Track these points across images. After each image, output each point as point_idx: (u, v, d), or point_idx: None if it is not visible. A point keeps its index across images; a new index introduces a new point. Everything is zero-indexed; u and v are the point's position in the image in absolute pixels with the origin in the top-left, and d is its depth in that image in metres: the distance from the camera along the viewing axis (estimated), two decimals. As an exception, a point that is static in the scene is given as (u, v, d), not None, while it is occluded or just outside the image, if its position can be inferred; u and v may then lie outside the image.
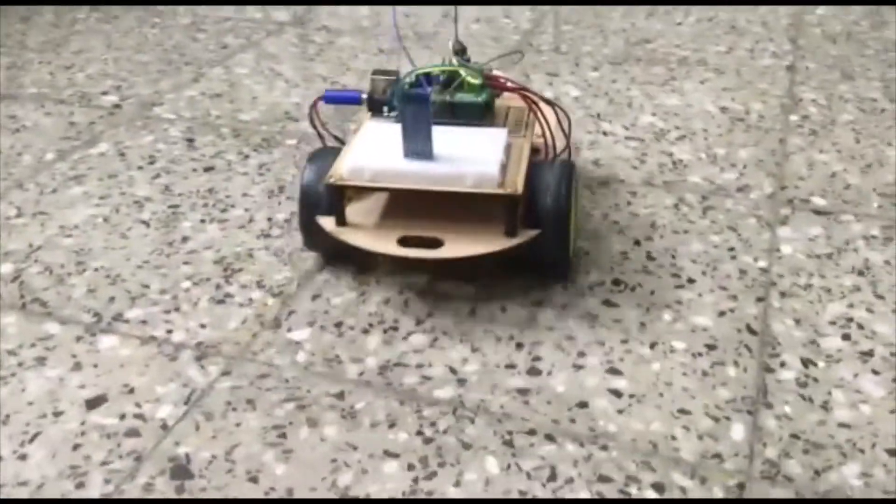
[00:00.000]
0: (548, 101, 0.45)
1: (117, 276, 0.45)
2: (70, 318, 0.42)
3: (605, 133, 0.59)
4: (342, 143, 0.46)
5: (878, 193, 0.50)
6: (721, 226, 0.48)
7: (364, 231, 0.41)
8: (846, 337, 0.39)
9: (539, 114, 0.44)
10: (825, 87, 0.63)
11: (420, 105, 0.39)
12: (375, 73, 0.45)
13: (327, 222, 0.41)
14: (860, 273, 0.43)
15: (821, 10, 0.79)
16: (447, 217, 0.41)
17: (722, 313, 0.41)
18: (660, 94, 0.64)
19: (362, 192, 0.42)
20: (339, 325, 0.41)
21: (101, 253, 0.46)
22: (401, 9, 0.82)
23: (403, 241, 0.40)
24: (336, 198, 0.40)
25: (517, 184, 0.39)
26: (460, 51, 0.46)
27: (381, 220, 0.41)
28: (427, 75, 0.44)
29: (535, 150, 0.44)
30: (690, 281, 0.43)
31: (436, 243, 0.40)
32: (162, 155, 0.57)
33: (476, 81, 0.43)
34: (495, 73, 0.46)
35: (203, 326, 0.41)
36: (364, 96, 0.45)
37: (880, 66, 0.67)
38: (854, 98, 0.61)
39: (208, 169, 0.55)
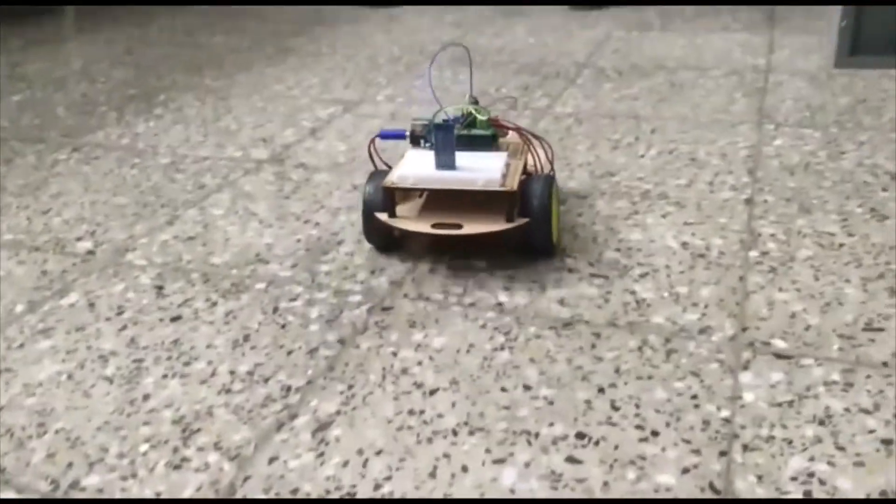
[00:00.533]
0: (537, 137, 0.65)
1: (77, 438, 0.44)
2: (27, 486, 0.41)
3: (569, 270, 0.60)
4: (389, 167, 0.64)
5: (838, 335, 0.50)
6: (684, 371, 0.48)
7: (408, 220, 0.59)
8: (807, 494, 0.38)
9: (530, 146, 0.64)
10: (783, 222, 0.65)
11: (447, 131, 0.59)
12: (414, 119, 0.65)
13: (383, 216, 0.60)
14: (821, 422, 0.43)
15: (779, 140, 0.82)
16: (465, 211, 0.60)
17: (686, 470, 0.40)
18: (623, 227, 0.66)
19: (406, 194, 0.62)
20: (294, 491, 0.40)
21: (63, 413, 0.46)
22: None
23: (436, 226, 0.58)
24: (389, 197, 0.59)
25: (513, 185, 0.57)
26: (474, 101, 0.65)
27: (419, 214, 0.60)
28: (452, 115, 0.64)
29: (529, 173, 0.63)
30: (654, 433, 0.43)
31: (458, 227, 0.58)
32: (131, 304, 0.57)
33: (485, 120, 0.64)
34: (499, 117, 0.66)
35: (158, 495, 0.40)
36: (407, 133, 0.65)
37: (837, 198, 0.69)
38: (812, 233, 0.63)
39: (175, 319, 0.55)
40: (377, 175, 0.62)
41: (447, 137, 0.59)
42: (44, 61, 1.27)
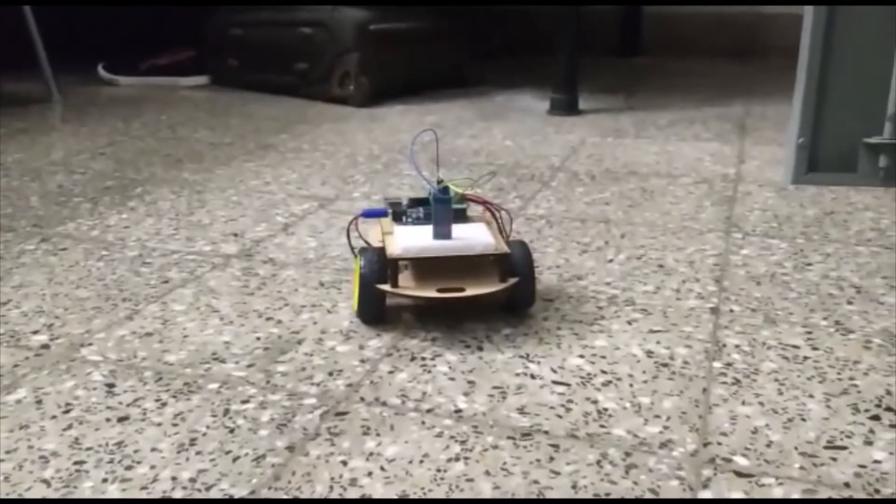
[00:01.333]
0: (501, 209, 0.72)
1: (0, 548, 0.42)
2: None
3: (532, 376, 0.59)
4: (368, 244, 0.69)
5: (800, 452, 0.49)
6: (643, 488, 0.46)
7: (412, 288, 0.65)
8: None
9: (495, 215, 0.72)
10: (748, 332, 0.65)
11: (445, 203, 0.65)
12: (386, 198, 0.74)
13: (385, 287, 0.64)
14: (781, 548, 0.41)
15: (746, 250, 0.83)
16: (458, 276, 0.66)
17: None
18: (588, 333, 0.66)
19: (400, 265, 0.66)
20: None
21: (-11, 520, 0.44)
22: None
23: (441, 290, 0.64)
24: (393, 268, 0.64)
25: (504, 248, 0.66)
26: (439, 181, 0.67)
27: (417, 283, 0.66)
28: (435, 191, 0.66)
29: (520, 243, 0.70)
30: (608, 555, 0.41)
31: (461, 290, 0.64)
32: (79, 403, 0.56)
33: (458, 196, 0.69)
34: (468, 192, 0.71)
35: None
36: (390, 212, 0.71)
37: (803, 310, 0.69)
38: (777, 345, 0.63)
39: (122, 419, 0.54)
40: (371, 251, 0.66)
41: (445, 209, 0.65)
42: (24, 151, 1.28)
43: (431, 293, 0.64)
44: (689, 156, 1.22)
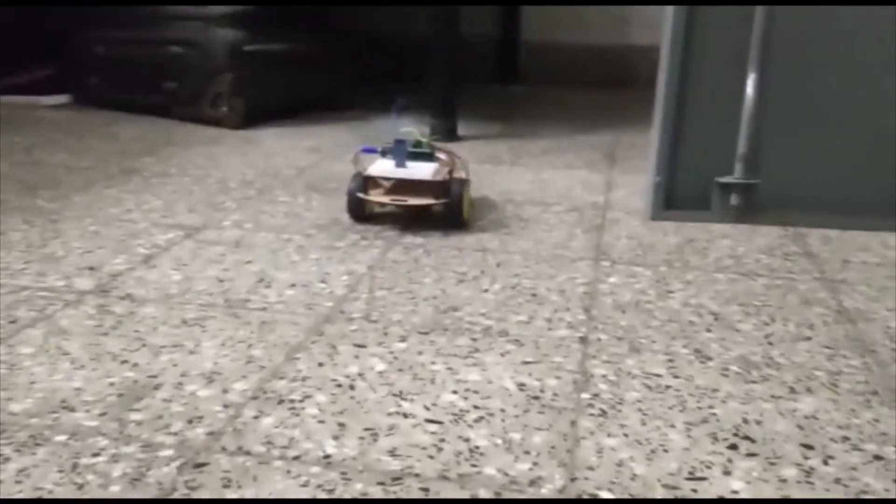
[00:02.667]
0: (458, 158, 1.05)
1: None
2: None
3: (405, 415, 0.58)
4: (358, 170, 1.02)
5: (663, 484, 0.50)
6: (513, 528, 0.46)
7: (375, 197, 0.99)
8: None
9: (454, 160, 1.04)
10: (615, 362, 0.67)
11: (402, 143, 0.99)
12: (385, 143, 1.01)
13: (361, 195, 0.99)
14: (645, 584, 0.42)
15: (613, 278, 0.86)
16: (412, 195, 0.99)
17: None
18: (462, 367, 0.65)
19: (376, 184, 1.00)
20: None
21: None
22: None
23: (392, 199, 0.98)
24: (364, 183, 1.00)
25: (438, 179, 0.99)
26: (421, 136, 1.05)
27: (384, 195, 0.99)
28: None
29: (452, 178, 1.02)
30: None
31: (405, 200, 0.98)
32: None
33: (426, 142, 1.04)
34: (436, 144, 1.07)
35: None
36: (379, 150, 1.02)
37: (665, 338, 0.71)
38: (641, 374, 0.65)
39: (-49, 481, 0.48)
40: (357, 173, 1.01)
41: (401, 147, 0.98)
42: None
43: (385, 199, 0.98)
44: (562, 184, 1.25)
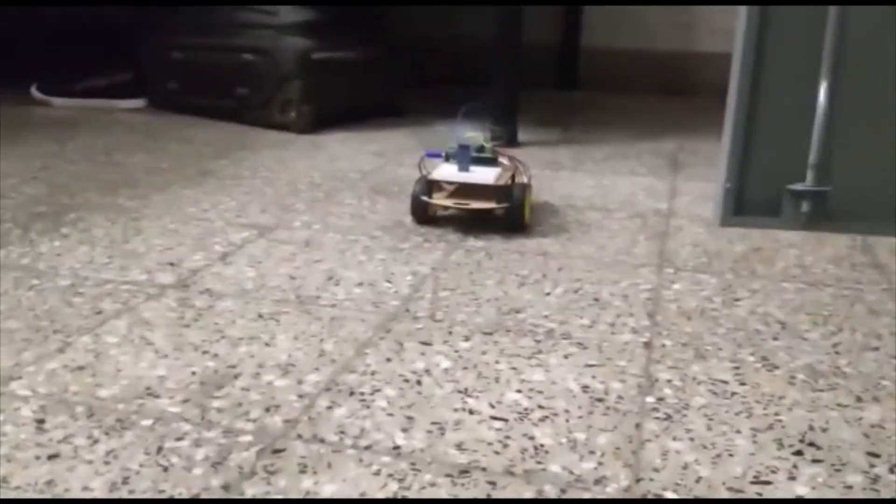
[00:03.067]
0: (521, 163, 1.09)
1: None
2: None
3: (470, 412, 0.59)
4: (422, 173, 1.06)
5: (727, 487, 0.51)
6: (578, 523, 0.47)
7: (439, 199, 1.02)
8: None
9: (516, 165, 1.08)
10: (679, 367, 0.67)
11: (466, 149, 1.02)
12: (449, 148, 1.05)
13: (425, 198, 1.02)
14: (709, 582, 0.43)
15: (677, 285, 0.86)
16: (475, 198, 1.02)
17: None
18: (526, 368, 0.67)
19: (439, 186, 1.04)
20: None
21: None
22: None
23: (456, 203, 1.02)
24: (428, 186, 1.03)
25: (500, 183, 1.02)
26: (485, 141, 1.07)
27: (447, 198, 1.03)
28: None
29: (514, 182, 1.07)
30: (543, 593, 0.42)
31: (467, 204, 1.02)
32: (8, 439, 0.54)
33: (489, 147, 1.06)
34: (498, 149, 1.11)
35: None
36: (444, 155, 1.06)
37: (731, 345, 0.72)
38: (706, 380, 0.65)
39: (52, 457, 0.52)
40: (422, 177, 1.04)
41: (465, 152, 1.02)
42: (-50, 171, 1.24)
43: (448, 202, 1.02)
44: (624, 190, 1.25)
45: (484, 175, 1.01)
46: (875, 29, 0.97)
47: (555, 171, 1.37)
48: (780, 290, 0.85)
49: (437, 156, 1.06)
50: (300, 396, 0.61)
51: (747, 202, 1.03)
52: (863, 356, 0.70)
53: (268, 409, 0.59)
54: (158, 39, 1.80)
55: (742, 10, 0.99)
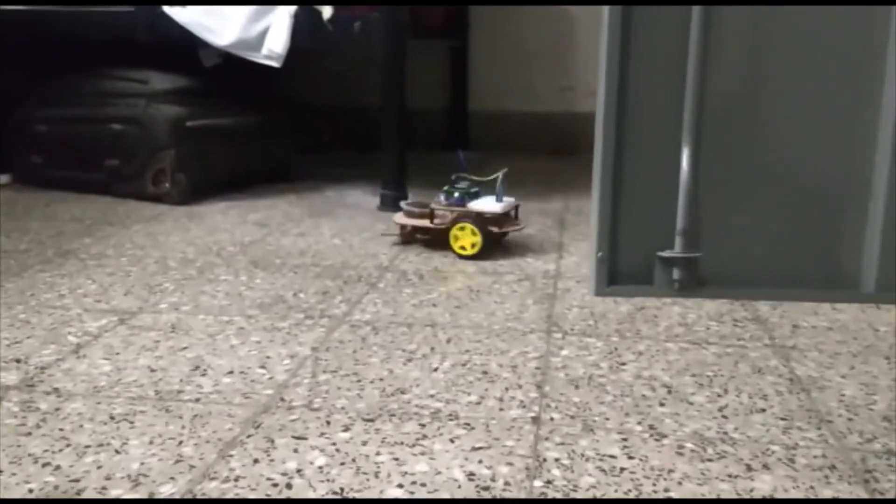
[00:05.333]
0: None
1: None
2: None
3: (346, 515, 0.54)
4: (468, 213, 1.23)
5: (619, 582, 0.47)
6: None
7: (507, 229, 1.28)
8: None
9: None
10: (568, 443, 0.64)
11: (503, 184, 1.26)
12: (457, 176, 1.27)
13: (493, 228, 1.25)
14: None
15: (565, 350, 0.84)
16: (499, 225, 1.25)
17: None
18: (409, 457, 0.62)
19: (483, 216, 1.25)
20: None
21: None
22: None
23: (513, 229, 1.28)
24: (481, 222, 1.24)
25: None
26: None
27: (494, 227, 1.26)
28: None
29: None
30: None
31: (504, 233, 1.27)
32: None
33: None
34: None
35: None
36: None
37: (618, 414, 0.69)
38: (595, 455, 0.62)
39: None
40: (470, 214, 1.23)
41: (502, 186, 1.25)
42: None
43: (511, 228, 1.26)
44: (513, 252, 1.24)
45: (511, 203, 1.26)
46: (735, 90, 1.00)
47: (443, 235, 1.35)
48: (665, 351, 0.84)
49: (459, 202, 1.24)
50: (152, 513, 0.54)
51: (621, 271, 1.03)
52: (750, 419, 0.69)
53: (112, 532, 0.52)
54: (21, 112, 1.69)
55: (602, 73, 1.00)
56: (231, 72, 1.65)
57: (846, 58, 0.98)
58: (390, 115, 1.53)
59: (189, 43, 1.53)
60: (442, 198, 1.26)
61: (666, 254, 1.02)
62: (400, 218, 1.28)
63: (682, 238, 1.01)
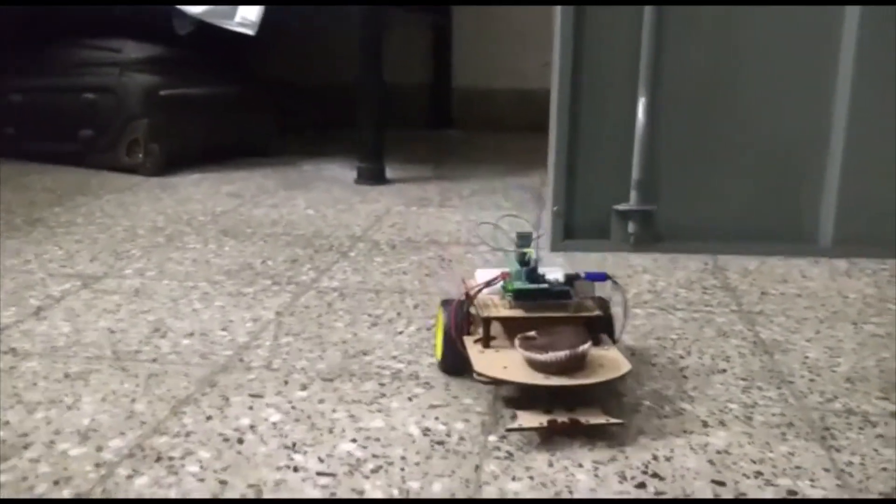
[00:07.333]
0: None
1: None
2: None
3: (295, 469, 0.53)
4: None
5: (564, 530, 0.47)
6: (401, 588, 0.42)
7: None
8: None
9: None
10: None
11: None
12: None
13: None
14: None
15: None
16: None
17: None
18: (366, 414, 0.61)
19: None
20: None
21: None
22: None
23: None
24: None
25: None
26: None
27: None
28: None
29: None
30: None
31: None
32: None
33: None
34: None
35: None
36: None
37: (579, 374, 0.69)
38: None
39: None
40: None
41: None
42: None
43: None
44: (488, 225, 1.23)
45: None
46: (694, 42, 0.99)
47: (421, 208, 1.34)
48: (632, 317, 0.83)
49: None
50: (97, 466, 0.53)
51: (577, 226, 1.02)
52: (710, 379, 0.69)
53: (56, 482, 0.51)
54: (-5, 81, 1.67)
55: (557, 24, 0.98)
56: (209, 43, 1.63)
57: (807, 16, 0.98)
58: (367, 85, 1.52)
59: (164, 11, 1.51)
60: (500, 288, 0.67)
61: (621, 207, 1.00)
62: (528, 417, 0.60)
63: (638, 190, 1.00)
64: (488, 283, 0.66)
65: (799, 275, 0.99)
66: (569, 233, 1.01)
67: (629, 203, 0.99)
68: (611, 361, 0.61)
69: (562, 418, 0.58)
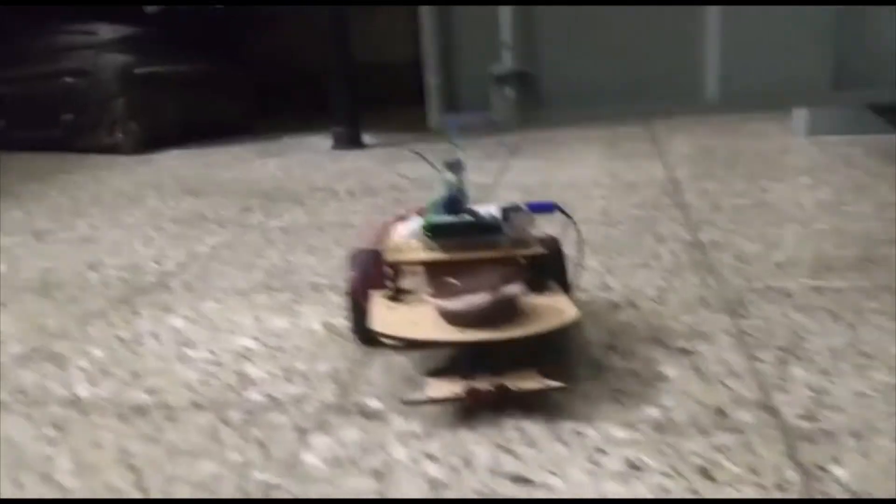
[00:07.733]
0: None
1: None
2: None
3: (182, 360, 0.53)
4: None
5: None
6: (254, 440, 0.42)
7: None
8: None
9: None
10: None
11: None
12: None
13: None
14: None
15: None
16: None
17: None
18: (273, 318, 0.61)
19: None
20: None
21: None
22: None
23: None
24: None
25: None
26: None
27: None
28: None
29: None
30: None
31: None
32: None
33: None
34: None
35: None
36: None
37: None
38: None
39: None
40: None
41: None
42: None
43: None
44: (423, 172, 1.22)
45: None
46: None
47: (389, 165, 1.34)
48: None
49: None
50: (-11, 365, 0.54)
51: (460, 98, 0.97)
52: (634, 273, 0.67)
53: (-54, 382, 0.51)
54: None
55: None
56: (186, 23, 1.65)
57: None
58: (338, 49, 1.52)
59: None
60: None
61: (496, 70, 0.95)
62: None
63: (510, 52, 0.94)
64: (400, 218, 0.52)
65: (759, 190, 0.96)
66: (451, 106, 0.97)
67: (502, 65, 0.94)
68: (550, 309, 0.46)
69: (485, 385, 0.43)
